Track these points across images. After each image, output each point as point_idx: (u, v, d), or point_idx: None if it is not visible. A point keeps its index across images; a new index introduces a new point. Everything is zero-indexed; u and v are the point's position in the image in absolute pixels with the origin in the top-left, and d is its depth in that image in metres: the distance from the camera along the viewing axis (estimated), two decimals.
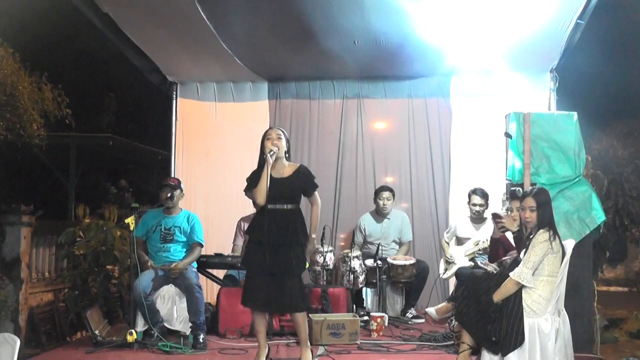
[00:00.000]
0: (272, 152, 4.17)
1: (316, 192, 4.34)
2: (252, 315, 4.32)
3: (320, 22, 5.58)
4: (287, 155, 4.35)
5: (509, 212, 4.87)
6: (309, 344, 4.30)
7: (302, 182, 4.29)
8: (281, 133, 4.32)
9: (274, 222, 4.15)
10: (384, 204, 6.21)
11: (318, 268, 5.71)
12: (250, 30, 5.83)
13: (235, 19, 5.57)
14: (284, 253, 4.13)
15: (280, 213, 4.18)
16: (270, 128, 4.45)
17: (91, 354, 4.66)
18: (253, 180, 4.25)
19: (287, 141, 4.36)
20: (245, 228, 6.02)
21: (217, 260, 5.75)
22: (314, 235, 4.35)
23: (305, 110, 7.12)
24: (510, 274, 3.93)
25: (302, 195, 4.31)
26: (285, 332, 5.20)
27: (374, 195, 6.35)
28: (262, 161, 4.26)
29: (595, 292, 5.02)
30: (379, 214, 6.28)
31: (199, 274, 5.44)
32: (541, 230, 3.96)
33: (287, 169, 4.31)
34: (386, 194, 6.24)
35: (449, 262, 5.93)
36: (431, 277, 6.16)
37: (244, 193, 4.48)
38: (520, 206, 4.13)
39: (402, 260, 5.93)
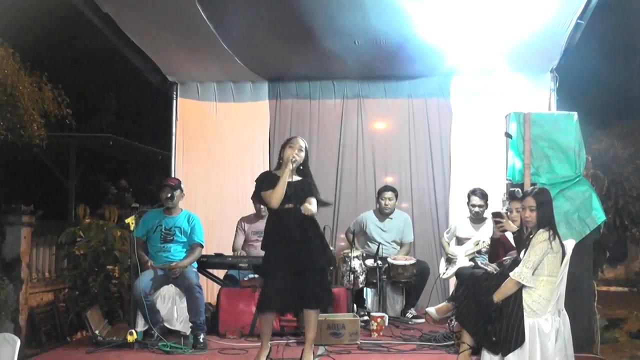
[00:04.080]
0: (294, 160, 4.22)
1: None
2: (261, 317, 4.32)
3: (320, 22, 5.58)
4: (301, 167, 4.37)
5: (509, 213, 4.88)
6: (313, 346, 4.28)
7: (309, 187, 4.33)
8: (303, 146, 4.35)
9: (289, 222, 4.18)
10: (385, 204, 6.21)
11: None
12: (250, 30, 5.83)
13: (235, 18, 5.57)
14: (305, 249, 4.17)
15: (293, 213, 4.22)
16: (294, 137, 4.45)
17: (91, 354, 4.66)
18: (264, 183, 4.29)
19: (307, 154, 4.39)
20: (246, 228, 6.08)
21: (218, 260, 5.76)
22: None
23: (306, 110, 7.12)
24: (510, 273, 3.93)
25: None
26: (285, 332, 5.20)
27: (377, 195, 6.35)
28: (278, 165, 4.34)
29: (596, 292, 5.02)
30: (381, 214, 6.28)
31: (199, 274, 5.45)
32: (541, 230, 3.96)
33: (295, 176, 4.33)
34: (388, 194, 6.23)
35: (450, 261, 5.93)
36: (431, 277, 6.15)
37: (251, 190, 4.46)
38: (521, 205, 4.14)
39: (402, 260, 5.93)
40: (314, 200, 4.27)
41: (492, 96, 6.69)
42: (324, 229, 5.63)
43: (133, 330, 4.73)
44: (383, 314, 5.44)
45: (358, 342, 4.92)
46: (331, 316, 5.07)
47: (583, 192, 4.91)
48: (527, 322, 3.88)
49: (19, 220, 7.04)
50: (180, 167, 7.10)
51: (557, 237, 3.95)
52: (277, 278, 4.18)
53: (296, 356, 4.37)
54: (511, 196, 4.91)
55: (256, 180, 4.38)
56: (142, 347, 4.77)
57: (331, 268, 5.03)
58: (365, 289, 6.02)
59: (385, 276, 5.90)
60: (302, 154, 4.33)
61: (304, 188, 4.30)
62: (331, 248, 5.83)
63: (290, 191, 4.22)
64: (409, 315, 5.96)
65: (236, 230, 6.16)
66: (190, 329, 4.99)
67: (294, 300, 4.22)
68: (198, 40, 5.98)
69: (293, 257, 4.15)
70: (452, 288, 6.20)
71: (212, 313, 5.47)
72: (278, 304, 4.27)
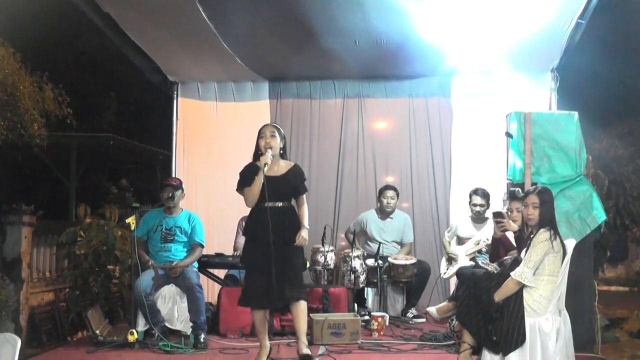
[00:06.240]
0: (266, 165, 4.14)
1: (304, 196, 4.35)
2: (252, 316, 4.31)
3: (321, 22, 5.58)
4: (281, 151, 4.33)
5: (509, 213, 4.88)
6: (306, 340, 4.22)
7: (296, 182, 4.29)
8: (275, 130, 4.28)
9: (268, 220, 4.12)
10: (387, 203, 6.21)
11: (319, 268, 5.71)
12: (251, 30, 5.83)
13: (236, 18, 5.57)
14: (283, 251, 4.12)
15: (276, 211, 4.18)
16: (265, 125, 4.39)
17: (92, 353, 4.66)
18: (245, 179, 4.24)
19: (283, 138, 4.34)
20: None
21: (218, 260, 5.77)
22: (307, 226, 4.29)
23: (306, 109, 7.12)
24: (512, 273, 3.93)
25: (293, 197, 4.32)
26: (286, 331, 5.20)
27: (378, 194, 6.35)
28: (256, 157, 4.27)
29: (596, 291, 5.02)
30: (382, 213, 6.28)
31: (200, 274, 5.45)
32: (542, 230, 3.96)
33: (281, 167, 4.31)
34: (390, 193, 6.23)
35: (451, 261, 5.93)
36: (432, 277, 6.14)
37: (236, 190, 4.44)
38: (524, 203, 4.13)
39: (403, 259, 5.93)
40: (306, 231, 4.24)
41: (492, 96, 6.69)
42: (325, 228, 5.69)
43: (134, 330, 4.73)
44: (384, 314, 5.44)
45: (359, 341, 4.92)
46: (332, 316, 5.07)
47: (584, 191, 4.91)
48: (528, 321, 3.87)
49: (20, 220, 7.04)
50: (180, 167, 7.10)
51: (558, 237, 3.95)
52: (255, 278, 4.19)
53: (297, 356, 4.38)
54: (512, 196, 4.91)
55: (240, 173, 4.33)
56: (142, 346, 4.76)
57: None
58: (366, 288, 6.02)
59: (385, 276, 5.90)
60: (276, 140, 4.25)
61: (286, 185, 4.24)
62: (331, 248, 5.86)
63: (271, 188, 4.13)
64: (409, 314, 5.96)
65: (237, 230, 6.16)
66: (190, 329, 4.99)
67: (272, 296, 4.13)
68: (199, 40, 5.98)
69: (270, 258, 4.07)
70: (452, 288, 6.20)
71: (213, 313, 5.48)
72: (255, 301, 4.21)
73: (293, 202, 4.36)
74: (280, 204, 4.21)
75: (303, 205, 4.32)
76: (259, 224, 4.19)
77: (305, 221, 4.28)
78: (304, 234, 4.22)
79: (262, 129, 4.32)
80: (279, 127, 4.37)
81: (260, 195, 4.15)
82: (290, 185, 4.27)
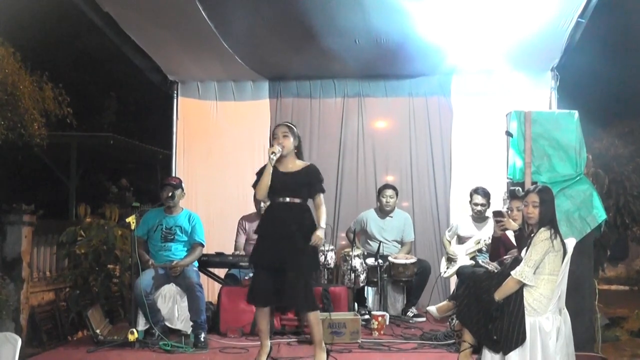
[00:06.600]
0: (273, 154, 4.13)
1: (322, 196, 4.28)
2: (255, 313, 4.30)
3: (321, 22, 5.58)
4: (296, 151, 4.31)
5: (509, 212, 4.88)
6: (324, 345, 4.24)
7: (309, 179, 4.25)
8: (288, 131, 4.25)
9: (279, 215, 4.15)
10: (387, 202, 6.21)
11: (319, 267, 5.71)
12: (251, 30, 5.83)
13: (236, 18, 5.57)
14: (291, 247, 4.10)
15: (286, 206, 4.16)
16: (278, 125, 4.38)
17: (92, 353, 4.66)
18: (258, 175, 4.24)
19: (297, 137, 4.30)
20: (247, 227, 6.08)
21: (219, 259, 5.76)
22: (324, 226, 4.22)
23: (306, 109, 7.12)
24: (512, 272, 3.93)
25: (308, 196, 4.26)
26: (286, 331, 5.20)
27: (377, 193, 6.35)
28: None
29: (597, 290, 5.03)
30: (382, 212, 6.28)
31: (200, 273, 5.45)
32: (542, 229, 3.96)
33: (296, 165, 4.28)
34: (389, 192, 6.24)
35: (451, 260, 5.93)
36: (432, 276, 6.14)
37: (251, 189, 4.42)
38: (524, 202, 4.13)
39: (403, 258, 5.93)
40: (322, 231, 4.18)
41: (492, 95, 6.69)
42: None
43: (134, 329, 4.72)
44: (384, 313, 5.44)
45: (359, 341, 4.91)
46: (332, 315, 5.07)
47: (584, 190, 4.91)
48: (528, 320, 3.88)
49: (20, 220, 7.05)
50: (180, 166, 7.10)
51: (558, 236, 3.95)
52: (262, 274, 4.18)
53: (297, 355, 4.39)
54: (512, 195, 4.91)
55: (256, 173, 4.33)
56: (143, 346, 4.76)
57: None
58: (366, 287, 6.02)
59: (386, 275, 5.90)
60: (289, 140, 4.22)
61: (299, 182, 4.21)
62: (331, 247, 5.86)
63: (282, 183, 4.12)
64: (409, 314, 5.96)
65: (237, 230, 6.16)
66: (191, 328, 4.98)
67: (279, 296, 4.15)
68: (199, 39, 5.98)
69: (277, 254, 4.09)
70: (453, 287, 6.20)
71: (213, 312, 5.48)
72: (263, 299, 4.19)
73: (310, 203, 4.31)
74: (292, 200, 4.18)
75: (321, 206, 4.26)
76: (269, 219, 4.21)
77: (323, 222, 4.22)
78: (320, 233, 4.16)
79: (275, 129, 4.31)
80: (291, 126, 4.33)
81: (271, 190, 4.15)
82: (304, 182, 4.22)
